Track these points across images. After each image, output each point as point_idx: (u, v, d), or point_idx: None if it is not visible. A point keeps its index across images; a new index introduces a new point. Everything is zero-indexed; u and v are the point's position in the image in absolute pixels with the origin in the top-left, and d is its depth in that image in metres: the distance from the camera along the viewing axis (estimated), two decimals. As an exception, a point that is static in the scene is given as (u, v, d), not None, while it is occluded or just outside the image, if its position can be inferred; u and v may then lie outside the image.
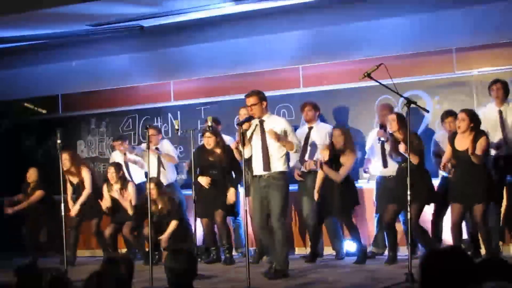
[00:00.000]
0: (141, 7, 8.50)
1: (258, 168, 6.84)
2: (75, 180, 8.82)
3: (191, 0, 8.35)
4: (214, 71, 9.36)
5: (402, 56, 8.28)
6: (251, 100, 6.86)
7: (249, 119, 6.81)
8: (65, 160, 8.54)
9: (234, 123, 8.76)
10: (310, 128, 8.23)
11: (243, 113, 8.04)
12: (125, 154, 8.97)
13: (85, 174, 8.77)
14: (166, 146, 8.98)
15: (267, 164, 6.79)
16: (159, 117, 9.58)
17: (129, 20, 8.98)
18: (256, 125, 6.88)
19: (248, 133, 6.86)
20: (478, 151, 6.74)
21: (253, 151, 6.85)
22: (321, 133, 8.17)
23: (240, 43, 9.22)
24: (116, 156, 9.17)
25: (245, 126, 6.76)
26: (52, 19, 8.67)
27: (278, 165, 6.80)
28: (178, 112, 9.46)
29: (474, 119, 6.88)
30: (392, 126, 7.20)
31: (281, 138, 6.72)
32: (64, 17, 8.63)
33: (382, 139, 7.63)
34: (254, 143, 6.86)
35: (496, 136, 7.32)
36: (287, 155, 6.95)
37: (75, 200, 8.79)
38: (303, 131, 8.25)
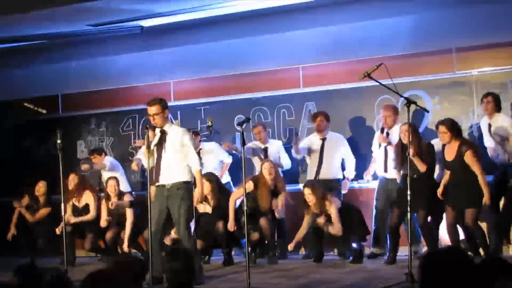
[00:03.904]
0: (140, 6, 8.51)
1: (161, 177, 6.61)
2: (79, 203, 8.79)
3: (191, 0, 8.35)
4: (214, 71, 9.35)
5: (402, 56, 8.28)
6: (154, 110, 6.51)
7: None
8: (72, 180, 8.61)
9: (234, 123, 8.77)
10: (324, 139, 8.24)
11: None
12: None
13: (90, 199, 8.76)
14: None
15: (167, 176, 6.57)
16: (159, 117, 9.55)
17: (129, 20, 8.98)
18: (159, 135, 6.61)
19: (152, 144, 6.62)
20: (477, 170, 6.86)
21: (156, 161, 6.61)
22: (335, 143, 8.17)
23: (240, 43, 9.22)
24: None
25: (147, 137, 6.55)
26: (52, 19, 8.67)
27: (180, 176, 6.55)
28: (178, 112, 9.45)
29: (454, 128, 6.99)
30: (405, 137, 6.97)
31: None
32: (64, 17, 8.63)
33: (384, 144, 7.63)
34: (157, 153, 6.62)
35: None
36: None
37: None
38: (315, 142, 8.27)
